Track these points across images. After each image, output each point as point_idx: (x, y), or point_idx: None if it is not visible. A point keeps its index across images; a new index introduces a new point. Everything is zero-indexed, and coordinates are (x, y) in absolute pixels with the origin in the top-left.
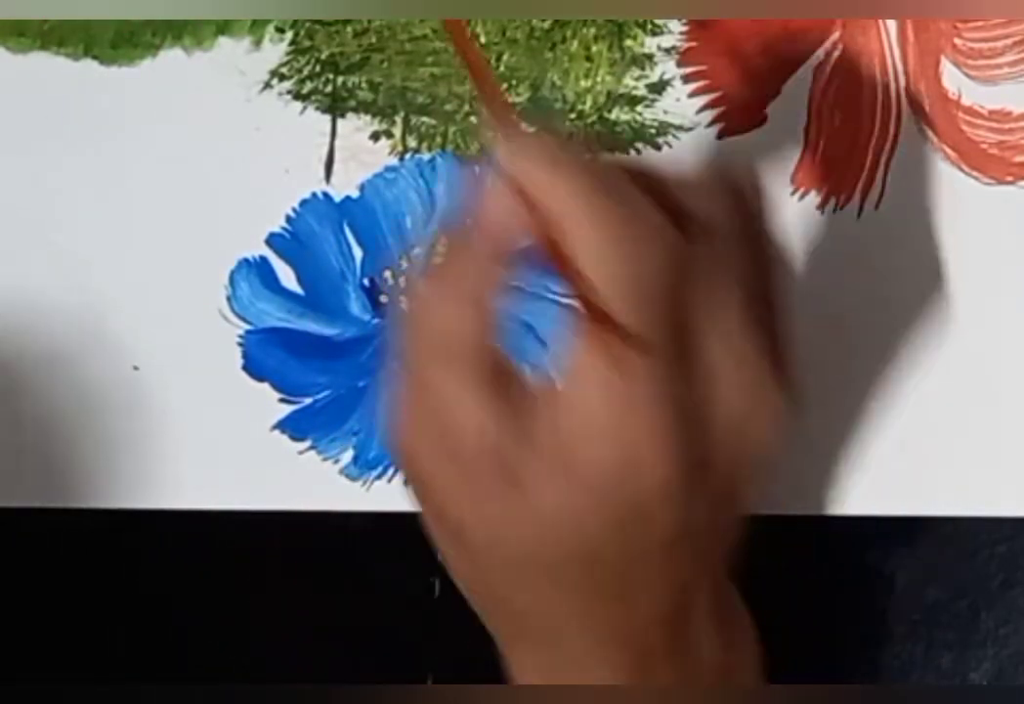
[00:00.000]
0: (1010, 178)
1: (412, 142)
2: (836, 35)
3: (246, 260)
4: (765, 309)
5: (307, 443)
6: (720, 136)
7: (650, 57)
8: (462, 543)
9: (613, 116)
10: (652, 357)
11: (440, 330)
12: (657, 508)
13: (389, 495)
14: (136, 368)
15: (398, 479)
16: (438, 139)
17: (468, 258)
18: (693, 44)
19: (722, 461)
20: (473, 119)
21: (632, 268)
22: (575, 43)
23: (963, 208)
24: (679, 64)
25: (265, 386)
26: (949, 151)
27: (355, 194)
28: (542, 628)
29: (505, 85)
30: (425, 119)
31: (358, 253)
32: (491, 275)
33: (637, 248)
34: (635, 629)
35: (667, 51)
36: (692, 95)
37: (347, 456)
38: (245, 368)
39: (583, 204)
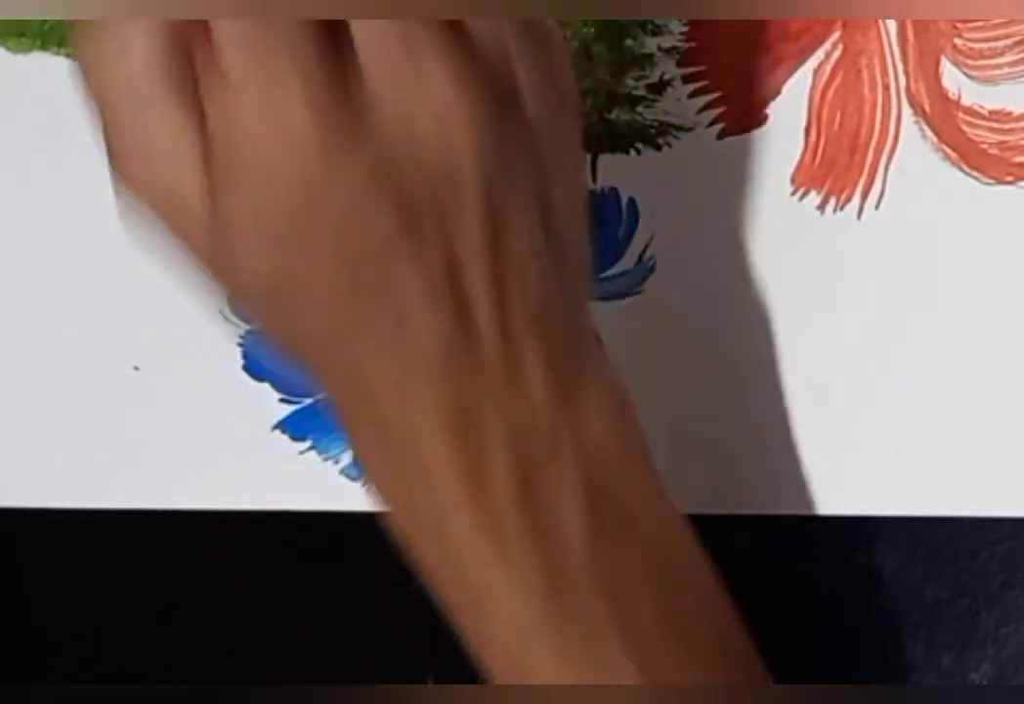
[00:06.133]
0: (1010, 178)
1: None
2: (836, 35)
3: None
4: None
5: (308, 443)
6: (720, 136)
7: (650, 57)
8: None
9: (613, 116)
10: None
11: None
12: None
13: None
14: (136, 368)
15: None
16: None
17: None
18: (693, 44)
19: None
20: None
21: None
22: (575, 43)
23: (963, 208)
24: (679, 64)
25: (265, 386)
26: (949, 151)
27: None
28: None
29: None
30: None
31: None
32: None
33: None
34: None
35: (667, 51)
36: (692, 95)
37: (348, 456)
38: (246, 368)
39: None
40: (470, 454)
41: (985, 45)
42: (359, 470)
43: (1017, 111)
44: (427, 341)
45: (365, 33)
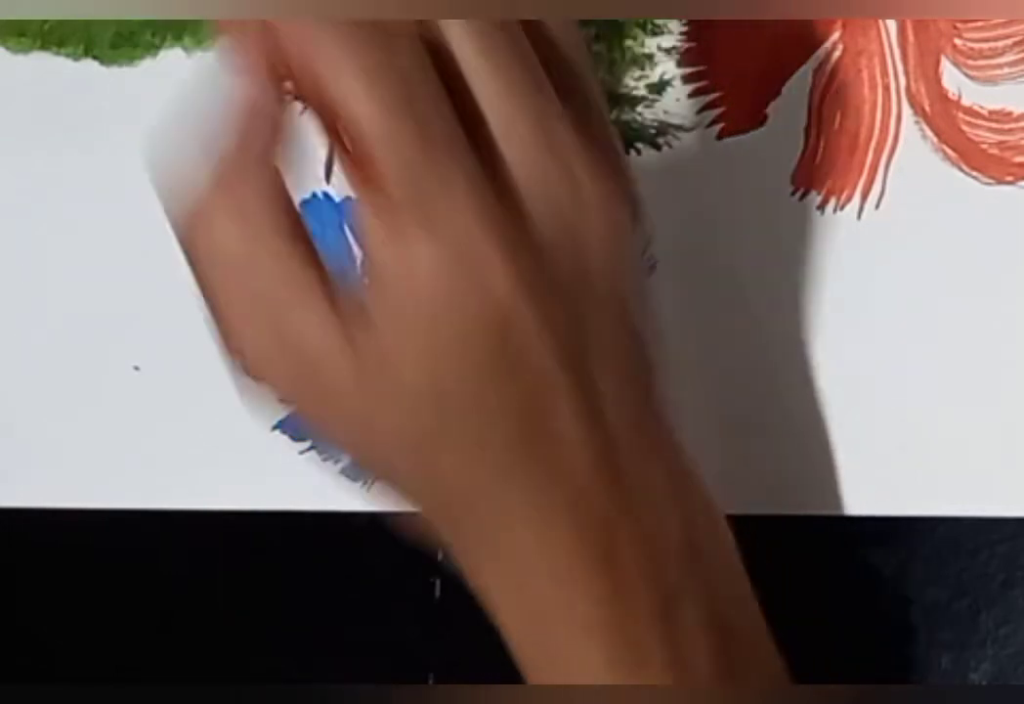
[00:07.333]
0: (1010, 178)
1: None
2: (836, 35)
3: None
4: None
5: (308, 443)
6: (720, 136)
7: (650, 57)
8: (353, 438)
9: (613, 116)
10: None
11: (227, 250)
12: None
13: (389, 495)
14: (136, 368)
15: None
16: None
17: (238, 162)
18: (693, 44)
19: (571, 249)
20: None
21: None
22: None
23: (963, 208)
24: (679, 64)
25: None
26: (949, 151)
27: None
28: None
29: None
30: None
31: (359, 253)
32: (264, 175)
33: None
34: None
35: (667, 51)
36: (692, 95)
37: (348, 456)
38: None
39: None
40: (614, 589)
41: (985, 45)
42: (359, 471)
43: (1017, 111)
44: (575, 479)
45: (515, 147)
